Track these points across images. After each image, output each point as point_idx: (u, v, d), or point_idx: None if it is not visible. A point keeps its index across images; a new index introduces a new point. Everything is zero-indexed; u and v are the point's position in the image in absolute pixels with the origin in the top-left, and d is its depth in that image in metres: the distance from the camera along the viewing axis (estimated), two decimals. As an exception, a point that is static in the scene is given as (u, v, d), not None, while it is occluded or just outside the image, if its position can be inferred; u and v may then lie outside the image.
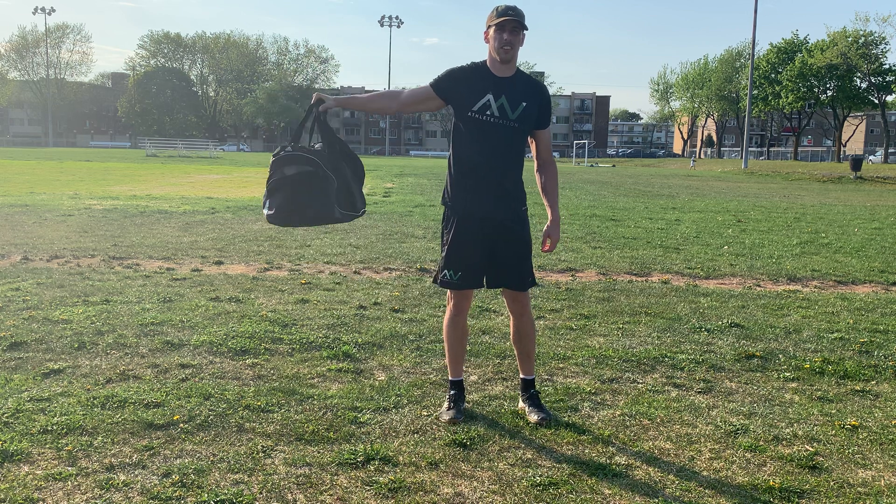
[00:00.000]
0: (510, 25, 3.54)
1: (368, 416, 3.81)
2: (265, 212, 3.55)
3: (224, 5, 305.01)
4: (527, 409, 3.85)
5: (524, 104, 3.63)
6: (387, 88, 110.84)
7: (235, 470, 3.17)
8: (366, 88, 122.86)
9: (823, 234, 12.25)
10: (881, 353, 5.18)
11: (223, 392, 4.07)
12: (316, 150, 3.56)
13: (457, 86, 3.65)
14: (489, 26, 3.61)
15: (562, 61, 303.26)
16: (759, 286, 7.65)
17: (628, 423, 3.81)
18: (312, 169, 3.50)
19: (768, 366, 4.84)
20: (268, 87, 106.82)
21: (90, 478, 3.06)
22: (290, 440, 3.49)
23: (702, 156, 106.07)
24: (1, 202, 15.01)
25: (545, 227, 3.83)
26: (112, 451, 3.30)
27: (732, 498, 3.04)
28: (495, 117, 3.61)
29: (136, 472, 3.12)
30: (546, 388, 4.26)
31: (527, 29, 3.59)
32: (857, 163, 37.76)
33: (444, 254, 3.79)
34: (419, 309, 6.16)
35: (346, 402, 3.98)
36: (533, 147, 3.86)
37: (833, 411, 4.04)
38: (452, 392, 3.90)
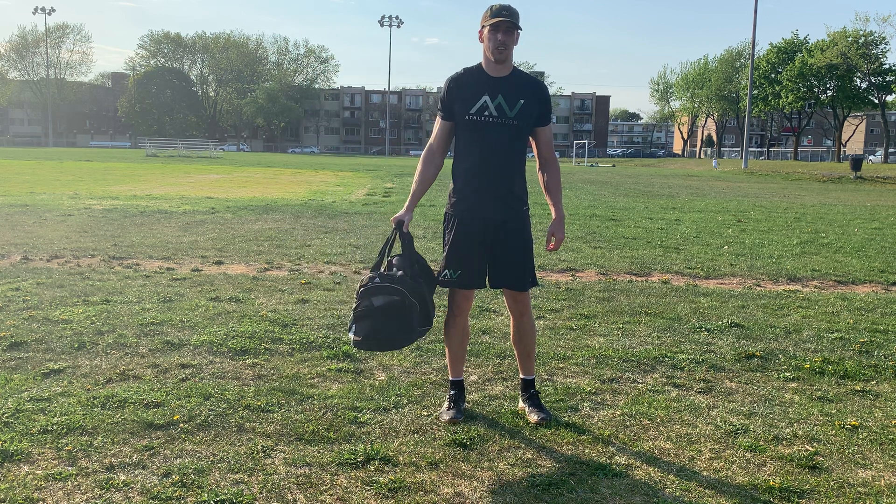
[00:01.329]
0: (504, 26, 3.54)
1: (368, 416, 3.81)
2: (351, 336, 3.62)
3: (224, 5, 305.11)
4: (527, 409, 3.85)
5: (522, 101, 3.63)
6: (387, 89, 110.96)
7: (235, 470, 3.17)
8: (366, 89, 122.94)
9: (823, 234, 12.25)
10: (881, 353, 5.18)
11: (223, 392, 4.07)
12: (399, 278, 3.61)
13: (454, 97, 3.67)
14: (483, 26, 3.61)
15: (562, 61, 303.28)
16: (759, 286, 7.65)
17: (628, 423, 3.81)
18: (399, 299, 3.58)
19: (768, 366, 4.85)
20: (268, 87, 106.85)
21: (90, 478, 3.06)
22: (290, 440, 3.49)
23: (702, 155, 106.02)
24: (1, 202, 15.01)
25: (550, 226, 3.83)
26: (112, 451, 3.30)
27: (732, 498, 3.04)
28: (494, 117, 3.61)
29: (136, 472, 3.12)
30: (546, 388, 4.26)
31: (521, 29, 3.60)
32: (857, 163, 37.77)
33: (444, 254, 3.80)
34: (419, 309, 6.16)
35: (346, 402, 3.98)
36: (534, 145, 3.86)
37: (833, 411, 4.04)
38: (452, 392, 3.90)
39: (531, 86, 3.70)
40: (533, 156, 3.88)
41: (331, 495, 2.99)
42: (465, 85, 3.65)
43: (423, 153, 3.82)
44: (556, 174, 3.86)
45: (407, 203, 3.72)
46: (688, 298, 6.88)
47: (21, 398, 3.88)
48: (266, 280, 7.31)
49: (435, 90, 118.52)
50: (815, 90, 71.65)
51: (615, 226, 13.03)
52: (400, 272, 3.65)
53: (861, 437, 3.69)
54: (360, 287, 3.64)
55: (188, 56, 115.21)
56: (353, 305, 3.63)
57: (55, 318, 5.51)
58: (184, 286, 6.89)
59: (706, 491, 3.10)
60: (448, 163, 3.88)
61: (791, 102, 72.42)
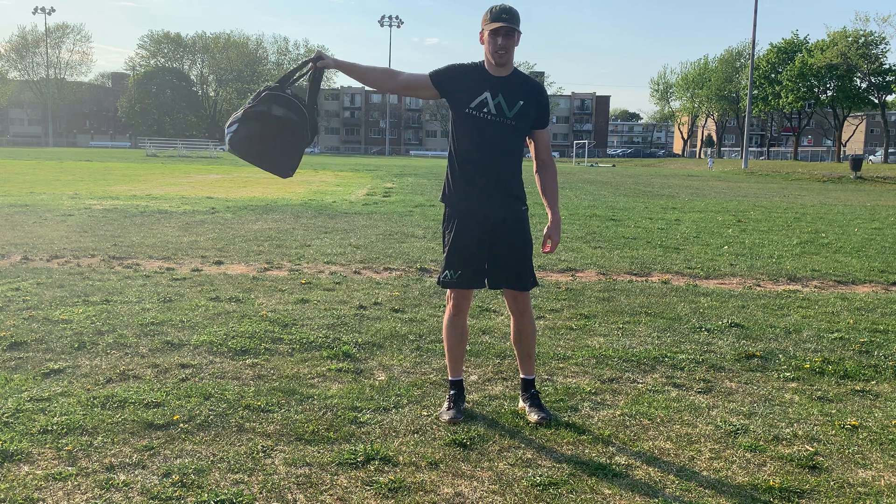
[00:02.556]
0: (504, 30, 3.54)
1: (368, 416, 3.81)
2: (227, 131, 3.48)
3: (224, 5, 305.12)
4: (527, 409, 3.85)
5: (521, 102, 3.64)
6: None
7: (235, 470, 3.17)
8: (366, 89, 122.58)
9: (823, 234, 12.25)
10: (881, 353, 5.18)
11: (223, 392, 4.07)
12: (308, 105, 3.51)
13: (455, 81, 3.66)
14: (483, 29, 3.61)
15: (562, 61, 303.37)
16: (759, 286, 7.65)
17: (628, 423, 3.81)
18: (298, 120, 3.47)
19: (768, 366, 4.84)
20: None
21: (90, 478, 3.06)
22: (290, 440, 3.49)
23: (701, 155, 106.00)
24: (1, 202, 15.01)
25: (546, 229, 3.83)
26: (112, 451, 3.30)
27: (732, 498, 3.04)
28: (492, 115, 3.62)
29: (136, 472, 3.12)
30: (546, 388, 4.26)
31: (521, 33, 3.59)
32: (857, 163, 37.77)
33: (444, 254, 3.80)
34: (419, 309, 6.16)
35: (346, 402, 3.98)
36: (531, 147, 3.87)
37: (833, 411, 4.04)
38: (452, 392, 3.90)
39: (531, 88, 3.70)
40: (530, 156, 3.88)
41: (331, 495, 2.99)
42: (468, 76, 3.66)
43: (388, 68, 3.84)
44: (553, 177, 3.86)
45: (339, 59, 3.68)
46: (688, 298, 6.88)
47: (21, 398, 3.88)
48: (266, 280, 7.31)
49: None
50: (815, 90, 71.65)
51: (615, 226, 13.03)
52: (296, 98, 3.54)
53: (861, 437, 3.69)
54: (263, 90, 3.50)
55: (188, 56, 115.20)
56: (246, 104, 3.49)
57: (55, 318, 5.51)
58: (184, 286, 6.88)
59: (706, 491, 3.10)
60: (445, 162, 3.88)
61: (791, 102, 72.43)
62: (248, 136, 3.44)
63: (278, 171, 3.62)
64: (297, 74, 3.72)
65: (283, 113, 3.45)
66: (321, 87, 3.69)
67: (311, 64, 3.65)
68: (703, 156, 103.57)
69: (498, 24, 3.52)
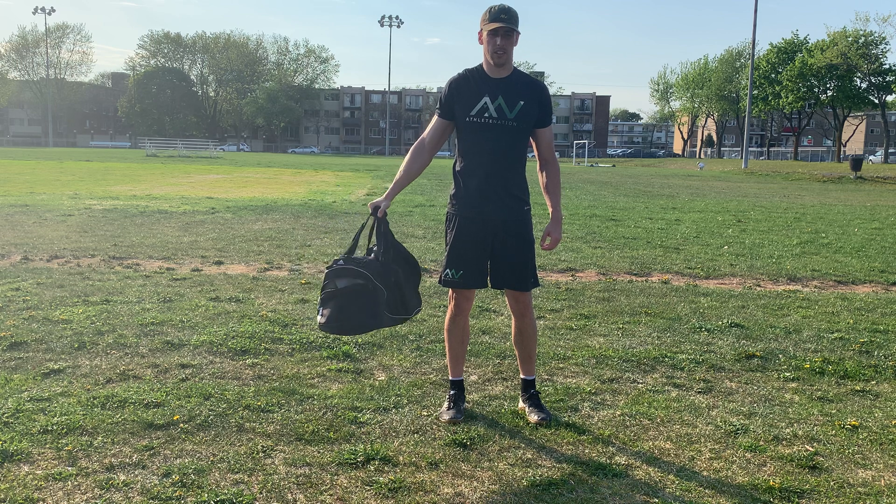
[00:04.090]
0: (503, 30, 3.54)
1: (368, 416, 3.81)
2: (318, 318, 3.65)
3: (224, 5, 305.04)
4: (527, 409, 3.85)
5: (522, 103, 3.64)
6: (387, 89, 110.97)
7: (235, 470, 3.17)
8: (366, 89, 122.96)
9: (823, 234, 12.25)
10: (881, 353, 5.18)
11: (223, 392, 4.07)
12: (367, 262, 3.63)
13: (455, 99, 3.69)
14: (482, 29, 3.61)
15: (562, 61, 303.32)
16: (759, 286, 7.65)
17: (628, 423, 3.81)
18: (363, 283, 3.59)
19: (768, 366, 4.84)
20: (268, 87, 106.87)
21: (90, 478, 3.06)
22: (290, 440, 3.49)
23: (701, 155, 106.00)
24: (1, 202, 15.01)
25: (547, 226, 3.83)
26: (112, 451, 3.30)
27: (732, 498, 3.04)
28: (493, 118, 3.62)
29: (136, 472, 3.12)
30: (546, 388, 4.26)
31: (519, 33, 3.60)
32: (857, 163, 37.77)
33: (446, 253, 3.80)
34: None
35: (346, 402, 3.98)
36: (534, 146, 3.87)
37: (833, 411, 4.04)
38: (452, 392, 3.90)
39: (531, 87, 3.70)
40: (533, 156, 3.88)
41: (331, 495, 2.99)
42: (465, 87, 3.67)
43: (414, 146, 3.84)
44: (556, 175, 3.87)
45: (388, 191, 3.76)
46: (688, 298, 6.88)
47: (21, 398, 3.88)
48: (266, 280, 7.31)
49: (435, 90, 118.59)
50: (815, 90, 71.67)
51: (615, 226, 13.03)
52: (370, 256, 3.67)
53: (861, 437, 3.69)
54: (326, 269, 3.67)
55: (188, 56, 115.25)
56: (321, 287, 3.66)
57: (55, 318, 5.51)
58: (184, 286, 6.89)
59: (706, 491, 3.10)
60: (447, 164, 3.89)
61: (791, 102, 72.43)
62: (328, 317, 3.60)
63: (370, 328, 3.75)
64: (361, 237, 3.82)
65: (344, 284, 3.59)
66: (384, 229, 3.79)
67: (372, 218, 3.75)
68: (702, 156, 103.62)
69: (496, 24, 3.52)
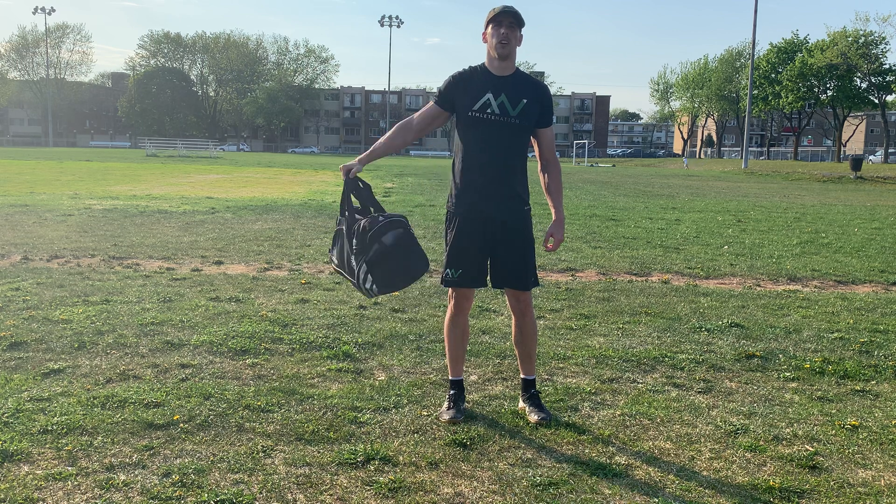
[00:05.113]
0: (507, 20, 3.58)
1: (368, 416, 3.81)
2: (365, 287, 3.58)
3: (224, 5, 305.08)
4: (527, 409, 3.85)
5: (524, 101, 3.65)
6: (387, 89, 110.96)
7: (235, 470, 3.17)
8: (366, 89, 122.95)
9: (823, 234, 12.25)
10: (881, 353, 5.18)
11: (223, 392, 4.07)
12: (388, 215, 3.63)
13: (456, 91, 3.69)
14: (487, 24, 3.64)
15: (562, 61, 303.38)
16: (759, 286, 7.65)
17: (628, 423, 3.81)
18: (403, 230, 3.61)
19: (768, 366, 4.84)
20: (268, 87, 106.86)
21: (90, 478, 3.06)
22: (290, 440, 3.49)
23: (702, 156, 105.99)
24: (1, 202, 15.01)
25: (549, 227, 3.83)
26: (112, 451, 3.30)
27: (732, 498, 3.04)
28: (496, 115, 3.63)
29: (136, 472, 3.12)
30: (546, 388, 4.26)
31: (523, 24, 3.62)
32: (857, 163, 37.78)
33: (446, 253, 3.80)
34: (419, 309, 6.16)
35: (346, 402, 3.98)
36: (535, 147, 3.88)
37: (833, 411, 4.04)
38: (452, 392, 3.90)
39: (534, 87, 3.72)
40: (534, 156, 3.89)
41: (331, 495, 2.99)
42: (469, 81, 3.68)
43: (402, 122, 3.86)
44: (558, 176, 3.87)
45: (363, 155, 3.75)
46: (688, 298, 6.88)
47: (21, 398, 3.88)
48: (266, 280, 7.31)
49: (435, 90, 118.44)
50: (815, 90, 71.65)
51: (615, 226, 13.03)
52: (381, 216, 3.66)
53: (861, 437, 3.69)
54: (359, 236, 3.57)
55: (188, 56, 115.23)
56: (356, 254, 3.57)
57: (55, 318, 5.50)
58: (184, 286, 6.88)
59: (706, 491, 3.10)
60: (447, 163, 3.89)
61: (791, 102, 72.42)
62: (389, 276, 3.59)
63: (419, 273, 3.77)
64: (350, 197, 3.78)
65: (393, 238, 3.58)
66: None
67: (351, 184, 3.73)
68: (703, 155, 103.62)
69: (501, 15, 3.57)
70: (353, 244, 3.59)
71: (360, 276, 3.60)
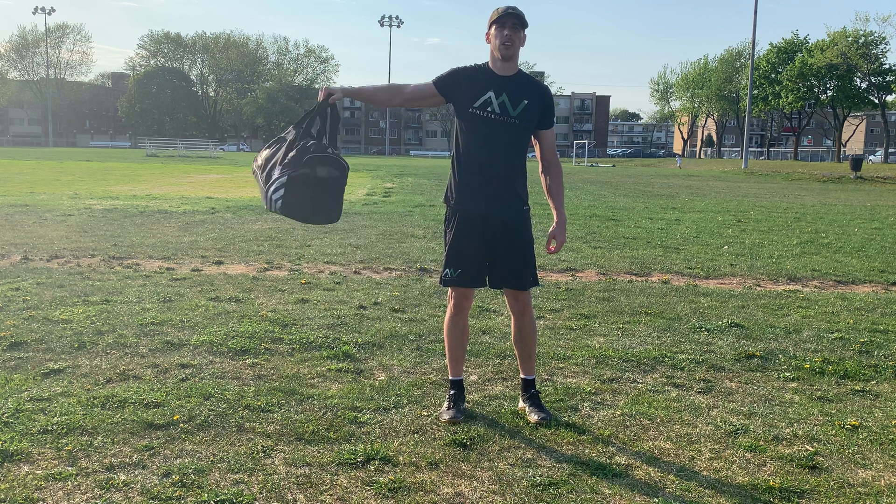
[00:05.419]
0: (510, 21, 3.58)
1: (368, 416, 3.81)
2: (271, 196, 3.51)
3: (224, 5, 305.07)
4: (527, 409, 3.85)
5: (525, 102, 3.65)
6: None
7: (235, 470, 3.17)
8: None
9: (823, 234, 12.25)
10: (881, 353, 5.18)
11: (223, 392, 4.07)
12: (339, 155, 3.57)
13: (458, 83, 3.68)
14: (490, 25, 3.64)
15: (562, 61, 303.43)
16: (759, 286, 7.65)
17: (628, 423, 3.81)
18: (339, 174, 3.54)
19: (768, 366, 4.84)
20: (268, 87, 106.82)
21: (90, 478, 3.06)
22: (290, 440, 3.49)
23: (702, 156, 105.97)
24: (1, 202, 15.01)
25: (551, 229, 3.83)
26: (112, 451, 3.30)
27: (732, 498, 3.04)
28: (496, 114, 3.62)
29: (136, 472, 3.12)
30: (546, 388, 4.26)
31: (527, 25, 3.63)
32: (857, 163, 37.77)
33: (445, 252, 3.80)
34: (419, 309, 6.16)
35: (346, 402, 3.98)
36: (537, 148, 3.88)
37: (833, 411, 4.04)
38: (452, 392, 3.90)
39: (535, 88, 3.72)
40: (534, 156, 3.89)
41: (331, 495, 2.99)
42: (472, 77, 3.68)
43: (396, 84, 3.85)
44: (559, 177, 3.87)
45: (346, 87, 3.72)
46: (688, 298, 6.88)
47: (21, 398, 3.88)
48: (266, 280, 7.31)
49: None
50: (815, 90, 71.65)
51: (615, 226, 13.03)
52: (331, 150, 3.60)
53: (861, 437, 3.69)
54: (298, 151, 3.53)
55: (188, 56, 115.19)
56: (283, 166, 3.52)
57: (55, 318, 5.50)
58: (184, 286, 6.88)
59: (706, 491, 3.10)
60: (447, 164, 3.89)
61: (791, 102, 72.41)
62: (299, 201, 3.51)
63: (328, 220, 3.70)
64: (316, 117, 3.72)
65: (327, 172, 3.52)
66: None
67: (324, 106, 3.67)
68: (703, 155, 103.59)
69: (505, 16, 3.57)
70: (289, 156, 3.53)
71: (274, 186, 3.54)
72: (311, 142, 3.57)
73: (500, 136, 3.65)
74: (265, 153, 3.64)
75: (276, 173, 3.53)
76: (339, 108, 3.73)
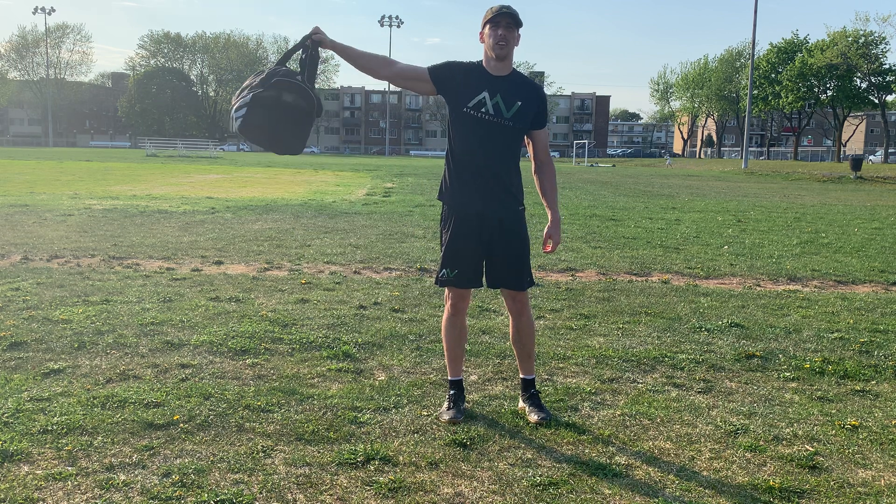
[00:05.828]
0: (504, 21, 3.57)
1: (368, 416, 3.81)
2: (234, 115, 3.52)
3: (224, 5, 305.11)
4: (527, 408, 3.85)
5: (519, 103, 3.64)
6: (387, 89, 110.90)
7: (235, 470, 3.17)
8: (366, 89, 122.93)
9: (823, 234, 12.25)
10: (881, 353, 5.18)
11: (223, 392, 4.07)
12: (312, 89, 3.58)
13: (453, 78, 3.66)
14: (484, 24, 3.63)
15: (562, 61, 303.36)
16: (759, 286, 7.65)
17: (628, 423, 3.81)
18: (307, 107, 3.53)
19: (768, 366, 4.84)
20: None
21: (90, 478, 3.06)
22: (290, 440, 3.49)
23: (702, 155, 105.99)
24: (1, 202, 15.01)
25: (546, 229, 3.83)
26: (112, 451, 3.30)
27: (732, 498, 3.04)
28: (490, 115, 3.62)
29: (136, 472, 3.12)
30: (546, 388, 4.26)
31: (521, 25, 3.61)
32: (857, 163, 37.77)
33: (442, 252, 3.80)
34: (419, 309, 6.16)
35: (346, 402, 3.98)
36: (530, 148, 3.87)
37: (833, 411, 4.04)
38: (452, 392, 3.90)
39: (529, 88, 3.71)
40: (528, 156, 3.88)
41: (331, 495, 2.99)
42: (467, 74, 3.66)
43: (386, 56, 3.87)
44: (552, 177, 3.87)
45: (335, 40, 3.73)
46: (688, 298, 6.87)
47: (21, 398, 3.88)
48: (266, 280, 7.31)
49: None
50: (815, 90, 71.67)
51: (615, 226, 13.03)
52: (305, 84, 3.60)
53: (861, 437, 3.69)
54: (271, 73, 3.54)
55: (188, 56, 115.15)
56: (251, 86, 3.52)
57: (55, 318, 5.50)
58: (184, 286, 6.88)
59: (706, 491, 3.10)
60: (442, 163, 3.90)
61: (791, 102, 72.44)
62: (258, 123, 3.50)
63: (287, 151, 3.71)
64: (296, 53, 3.75)
65: (293, 100, 3.52)
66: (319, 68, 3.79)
67: (308, 41, 3.69)
68: (703, 155, 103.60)
69: (499, 14, 3.55)
70: (260, 80, 3.55)
71: (238, 104, 3.55)
72: (283, 68, 3.58)
73: (495, 137, 3.64)
74: (246, 81, 3.68)
75: (246, 94, 3.56)
76: (320, 52, 3.74)
